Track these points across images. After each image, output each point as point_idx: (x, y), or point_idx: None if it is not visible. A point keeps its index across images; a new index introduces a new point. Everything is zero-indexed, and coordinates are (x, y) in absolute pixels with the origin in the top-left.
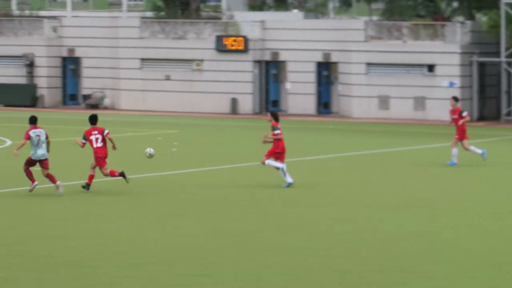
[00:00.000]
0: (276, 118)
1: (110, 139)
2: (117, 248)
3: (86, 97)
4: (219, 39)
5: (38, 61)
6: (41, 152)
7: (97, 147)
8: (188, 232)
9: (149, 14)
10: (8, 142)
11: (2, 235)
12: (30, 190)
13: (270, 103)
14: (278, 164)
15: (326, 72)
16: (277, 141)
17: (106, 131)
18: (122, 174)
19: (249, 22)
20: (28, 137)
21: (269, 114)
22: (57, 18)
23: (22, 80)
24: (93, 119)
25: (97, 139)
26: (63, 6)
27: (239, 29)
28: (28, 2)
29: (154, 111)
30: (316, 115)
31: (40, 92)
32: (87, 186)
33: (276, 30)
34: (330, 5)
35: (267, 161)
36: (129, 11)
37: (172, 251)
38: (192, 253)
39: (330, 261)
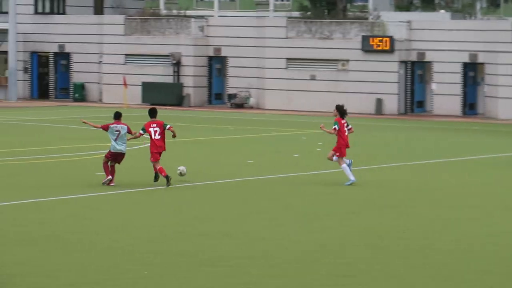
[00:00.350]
0: (341, 113)
1: (172, 130)
2: (259, 247)
3: (231, 96)
4: (365, 39)
5: (184, 60)
6: (119, 147)
7: (155, 139)
8: (331, 231)
9: (295, 14)
10: None
11: (145, 232)
12: (104, 183)
13: (415, 103)
14: (346, 161)
15: (472, 73)
16: (338, 136)
17: (168, 125)
18: (167, 177)
19: (395, 22)
20: (107, 127)
21: (335, 108)
22: (204, 17)
23: (169, 79)
24: (152, 112)
25: (155, 131)
26: (210, 5)
27: (385, 29)
28: (176, 1)
29: (298, 110)
30: (461, 116)
31: (186, 91)
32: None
33: (423, 30)
34: (478, 6)
35: (344, 165)
36: (275, 11)
37: (315, 250)
38: (336, 252)
39: (473, 263)
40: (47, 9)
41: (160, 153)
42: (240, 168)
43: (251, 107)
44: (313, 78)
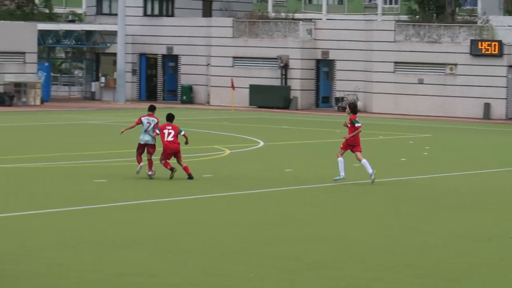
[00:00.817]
0: (354, 111)
1: (185, 136)
2: (359, 251)
3: (338, 99)
4: (473, 43)
5: (292, 63)
6: (146, 138)
7: (168, 141)
8: (432, 235)
9: (403, 17)
10: (261, 143)
11: (249, 234)
12: (137, 172)
13: None
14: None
15: None
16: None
17: (182, 132)
18: (172, 169)
19: (504, 26)
20: (140, 122)
21: (347, 107)
22: (312, 20)
23: (276, 82)
24: (169, 117)
25: (169, 133)
26: (318, 8)
27: (494, 34)
28: (284, 4)
29: (406, 114)
30: None
31: (294, 94)
32: (173, 171)
33: None
34: None
35: (340, 158)
36: (383, 14)
37: (416, 254)
38: (437, 256)
39: None
40: (156, 11)
41: (171, 155)
42: (346, 171)
43: (359, 111)
44: (420, 82)
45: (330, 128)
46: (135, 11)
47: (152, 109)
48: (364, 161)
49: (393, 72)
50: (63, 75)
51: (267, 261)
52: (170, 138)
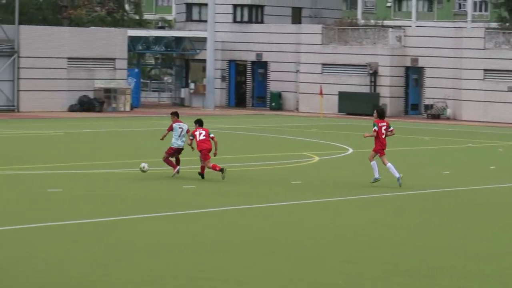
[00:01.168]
0: (380, 115)
1: (215, 142)
2: (452, 258)
3: (427, 107)
4: None
5: (381, 70)
6: (180, 142)
7: (200, 140)
8: None
9: (493, 24)
10: (350, 150)
11: (343, 241)
12: (173, 176)
13: None
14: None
15: None
16: (376, 138)
17: (212, 135)
18: (221, 170)
19: None
20: (171, 128)
21: (375, 111)
22: (401, 27)
23: (365, 89)
24: (199, 122)
25: (200, 133)
26: (408, 15)
27: None
28: (374, 11)
29: (495, 122)
30: None
31: (383, 101)
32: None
33: None
34: None
35: (373, 162)
36: (473, 21)
37: (509, 262)
38: None
39: None
40: (245, 18)
41: (208, 152)
42: (436, 179)
43: (448, 118)
44: (510, 89)
45: (420, 135)
46: (224, 18)
47: (177, 114)
48: (373, 163)
49: (483, 79)
50: (153, 81)
51: (359, 268)
52: (202, 137)
